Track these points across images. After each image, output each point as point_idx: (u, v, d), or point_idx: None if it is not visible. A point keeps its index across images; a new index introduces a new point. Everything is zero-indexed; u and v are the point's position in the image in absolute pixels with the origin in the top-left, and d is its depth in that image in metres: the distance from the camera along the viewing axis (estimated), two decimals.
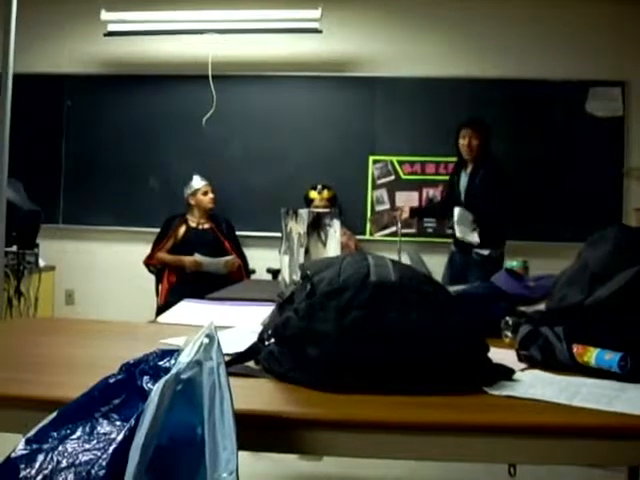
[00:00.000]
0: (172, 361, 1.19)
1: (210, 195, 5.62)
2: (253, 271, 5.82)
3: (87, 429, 1.09)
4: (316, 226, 2.27)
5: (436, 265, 4.85)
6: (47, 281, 5.37)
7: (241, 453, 1.04)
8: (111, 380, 1.18)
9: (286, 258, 2.35)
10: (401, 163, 5.95)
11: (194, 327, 1.27)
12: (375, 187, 5.98)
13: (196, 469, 1.03)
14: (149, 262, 5.55)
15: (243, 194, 5.99)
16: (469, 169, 4.93)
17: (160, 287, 5.57)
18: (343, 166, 5.95)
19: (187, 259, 5.38)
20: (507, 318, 1.89)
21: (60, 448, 1.06)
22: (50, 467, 1.04)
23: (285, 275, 2.38)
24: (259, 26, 5.83)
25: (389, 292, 1.39)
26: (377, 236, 5.82)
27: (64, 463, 1.04)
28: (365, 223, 5.94)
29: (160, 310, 5.05)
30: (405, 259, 4.35)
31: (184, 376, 1.10)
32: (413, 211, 5.10)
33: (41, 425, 1.11)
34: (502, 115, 5.75)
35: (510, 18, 5.86)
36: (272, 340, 1.48)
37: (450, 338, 1.38)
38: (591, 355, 1.50)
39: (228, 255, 5.48)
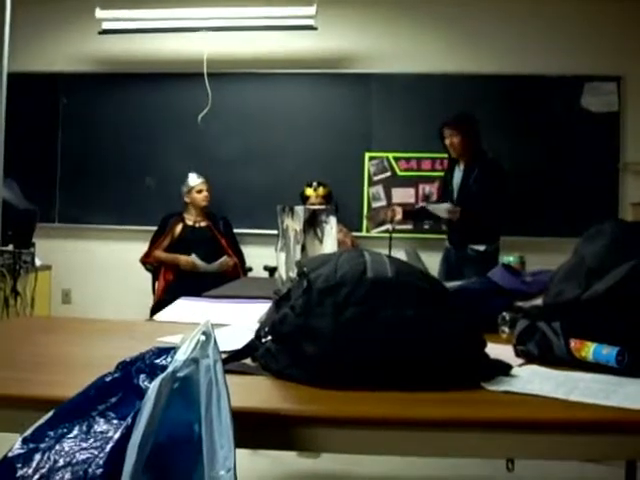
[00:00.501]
0: (169, 359, 1.18)
1: (204, 193, 5.62)
2: (250, 269, 5.82)
3: (84, 428, 1.09)
4: (312, 223, 2.27)
5: (432, 261, 4.84)
6: (43, 280, 5.36)
7: (239, 450, 1.04)
8: (108, 378, 1.18)
9: (283, 255, 2.35)
10: (397, 159, 5.94)
11: (191, 325, 1.27)
12: (371, 184, 5.98)
13: (194, 467, 1.02)
14: (146, 260, 5.55)
15: (239, 191, 5.98)
16: (462, 167, 4.92)
17: (157, 285, 5.57)
18: (339, 163, 5.95)
19: (182, 258, 5.38)
20: (504, 313, 1.89)
21: (57, 447, 1.06)
22: (47, 466, 1.03)
23: (282, 272, 2.38)
24: (254, 23, 5.82)
25: (386, 288, 1.39)
26: (373, 233, 5.82)
27: (61, 462, 1.03)
28: (361, 220, 5.94)
29: (155, 307, 5.06)
30: (401, 256, 4.35)
31: (181, 374, 1.10)
32: (406, 213, 5.08)
33: (38, 424, 1.11)
34: (498, 110, 5.75)
35: (505, 14, 5.86)
36: (269, 337, 1.47)
37: (447, 334, 1.38)
38: (588, 350, 1.50)
39: (224, 253, 5.48)
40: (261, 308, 1.77)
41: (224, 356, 1.32)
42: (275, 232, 2.45)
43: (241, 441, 1.06)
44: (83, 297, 6.19)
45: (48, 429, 1.10)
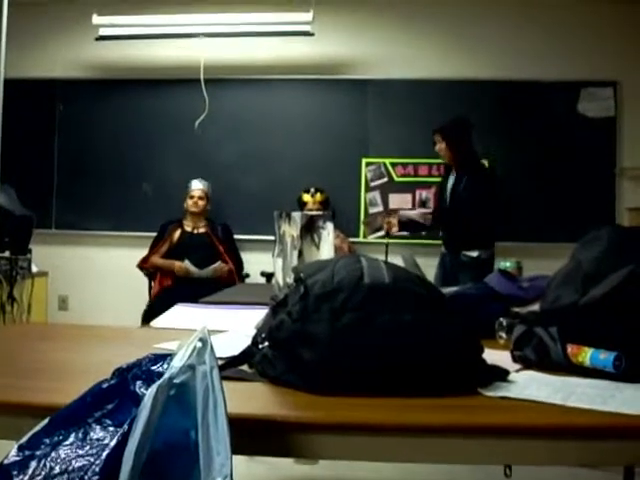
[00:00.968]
0: (165, 366, 1.18)
1: (195, 199, 5.62)
2: (247, 275, 5.82)
3: (80, 435, 1.08)
4: (309, 229, 2.26)
5: (428, 267, 4.84)
6: (40, 286, 5.36)
7: (236, 457, 1.04)
8: (104, 385, 1.17)
9: (279, 261, 2.34)
10: (394, 165, 5.95)
11: (188, 331, 1.26)
12: (368, 189, 5.99)
13: (190, 474, 1.02)
14: (143, 266, 5.55)
15: (236, 197, 5.98)
16: (454, 173, 4.94)
17: (152, 290, 5.57)
18: (336, 169, 5.95)
19: (176, 264, 5.39)
20: (501, 319, 1.89)
21: (53, 454, 1.06)
22: (43, 473, 1.03)
23: (279, 278, 2.37)
24: (251, 29, 5.83)
25: (383, 294, 1.39)
26: (370, 238, 5.82)
27: (57, 469, 1.03)
28: (358, 225, 5.94)
29: (147, 312, 5.07)
30: (397, 261, 4.35)
31: (177, 380, 1.10)
32: (402, 224, 5.08)
33: (33, 431, 1.10)
34: (494, 116, 5.77)
35: (502, 20, 5.88)
36: (266, 343, 1.47)
37: (444, 339, 1.38)
38: (585, 355, 1.50)
39: (222, 259, 5.48)
40: (258, 314, 1.77)
41: (221, 362, 1.32)
42: (272, 238, 2.44)
43: (238, 448, 1.06)
44: (80, 303, 6.17)
45: (44, 436, 1.09)
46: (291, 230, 2.28)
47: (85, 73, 6.25)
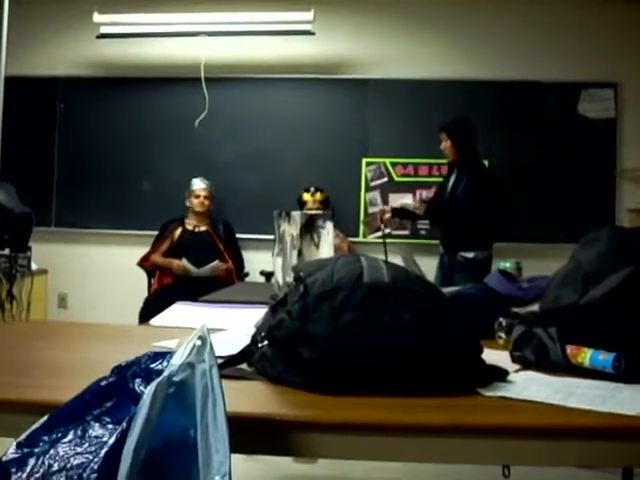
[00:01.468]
0: (164, 363, 1.18)
1: (201, 199, 5.63)
2: (247, 274, 5.82)
3: (79, 432, 1.08)
4: (309, 228, 2.26)
5: (428, 267, 4.84)
6: (39, 284, 5.35)
7: (235, 456, 1.04)
8: (103, 383, 1.17)
9: (279, 260, 2.34)
10: (394, 165, 5.95)
11: (187, 330, 1.26)
12: (368, 189, 5.99)
13: (189, 472, 1.02)
14: (143, 264, 5.55)
15: (236, 196, 5.98)
16: (455, 172, 4.93)
17: (151, 288, 5.58)
18: (336, 168, 5.95)
19: (175, 262, 5.39)
20: (501, 319, 1.89)
21: (51, 452, 1.05)
22: (41, 471, 1.03)
23: (278, 277, 2.37)
24: (252, 28, 5.83)
25: (382, 293, 1.39)
26: (370, 238, 5.82)
27: (55, 467, 1.03)
28: (358, 225, 5.94)
29: (144, 309, 5.08)
30: (397, 261, 4.35)
31: (176, 378, 1.10)
32: (395, 210, 5.09)
33: (32, 429, 1.10)
34: (494, 117, 5.76)
35: (503, 20, 5.88)
36: (265, 342, 1.47)
37: (444, 339, 1.38)
38: (585, 356, 1.50)
39: (222, 257, 5.49)
40: (257, 313, 1.77)
41: (220, 361, 1.32)
42: (272, 237, 2.44)
43: (237, 446, 1.06)
44: (79, 301, 6.17)
45: (42, 433, 1.09)
46: (291, 229, 2.28)
47: (86, 71, 6.25)
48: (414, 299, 1.41)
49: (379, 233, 5.41)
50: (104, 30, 5.87)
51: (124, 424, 1.05)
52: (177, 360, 1.13)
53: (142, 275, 5.63)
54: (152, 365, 1.20)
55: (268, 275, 5.40)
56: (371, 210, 5.94)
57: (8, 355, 1.71)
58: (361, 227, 5.93)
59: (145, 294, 5.60)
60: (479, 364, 1.43)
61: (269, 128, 6.06)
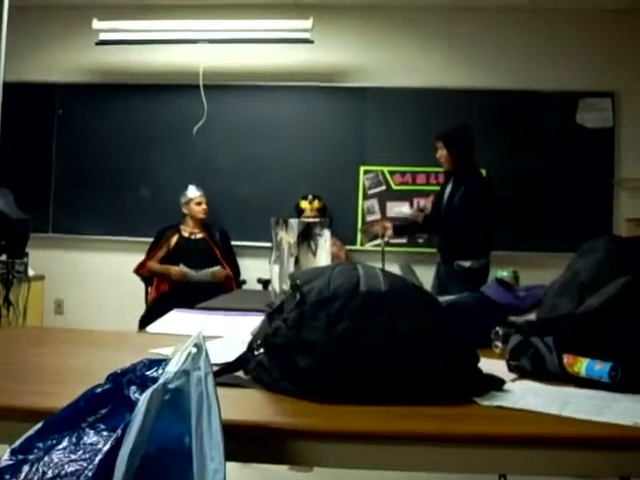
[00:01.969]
0: (159, 371, 1.18)
1: (203, 206, 5.64)
2: (244, 281, 5.81)
3: (73, 439, 1.08)
4: (306, 236, 2.26)
5: (426, 276, 4.83)
6: (36, 290, 5.35)
7: (230, 464, 1.03)
8: (98, 390, 1.17)
9: (276, 268, 2.34)
10: (392, 173, 5.95)
11: (183, 337, 1.26)
12: (366, 197, 5.99)
13: (184, 479, 1.02)
14: (140, 271, 5.54)
15: (234, 203, 5.98)
16: (452, 182, 4.93)
17: (148, 296, 5.57)
18: (334, 176, 5.96)
19: (173, 269, 5.38)
20: (497, 328, 1.89)
21: (46, 459, 1.05)
22: (36, 478, 1.02)
23: (275, 285, 2.37)
24: (250, 36, 5.84)
25: (379, 302, 1.39)
26: (368, 246, 5.82)
27: (50, 474, 1.02)
28: (356, 233, 5.94)
29: (144, 318, 5.06)
30: (395, 270, 4.35)
31: (171, 386, 1.09)
32: (397, 228, 5.08)
33: (26, 435, 1.10)
34: (493, 126, 5.77)
35: (501, 30, 5.89)
36: (262, 350, 1.47)
37: (440, 348, 1.38)
38: (581, 365, 1.50)
39: (219, 264, 5.48)
40: (254, 320, 1.77)
41: (216, 368, 1.32)
42: (269, 244, 2.44)
43: (232, 454, 1.06)
44: (76, 307, 6.16)
45: (37, 440, 1.09)
46: (288, 237, 2.28)
47: (84, 78, 6.25)
48: (410, 308, 1.41)
49: (376, 241, 5.41)
50: (103, 37, 5.87)
51: (119, 431, 1.05)
52: (172, 367, 1.13)
53: (139, 281, 5.62)
54: (147, 372, 1.20)
55: (265, 283, 5.39)
56: (369, 218, 5.94)
57: (4, 361, 1.71)
58: (359, 235, 5.93)
59: (142, 300, 5.59)
60: (476, 373, 1.43)
61: (267, 135, 6.06)
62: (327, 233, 2.31)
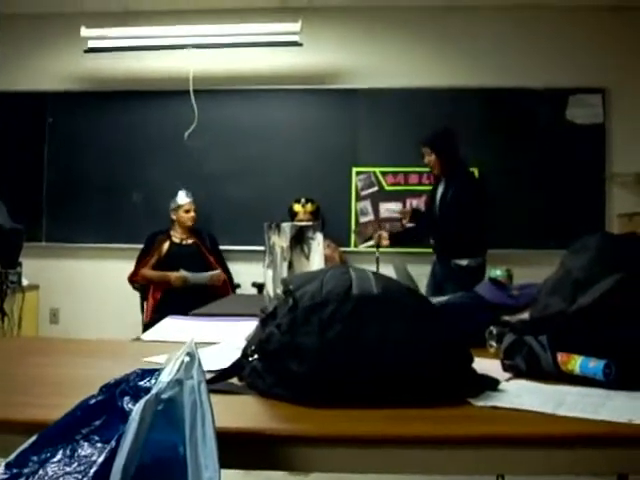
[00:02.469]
0: (152, 381, 1.17)
1: (192, 213, 5.64)
2: (238, 285, 5.81)
3: (68, 452, 1.07)
4: (299, 240, 2.26)
5: (421, 275, 4.84)
6: (31, 300, 5.34)
7: (224, 471, 1.03)
8: (91, 401, 1.17)
9: (270, 272, 2.34)
10: (384, 174, 5.96)
11: (178, 344, 1.26)
12: (359, 199, 5.99)
13: None
14: (134, 279, 5.53)
15: (226, 208, 5.98)
16: (443, 182, 4.93)
17: (145, 304, 5.55)
18: (326, 178, 5.96)
19: (173, 275, 5.37)
20: (491, 328, 1.89)
21: (40, 472, 1.05)
22: None
23: (269, 289, 2.37)
24: (239, 40, 5.85)
25: (371, 305, 1.39)
26: (361, 248, 5.82)
27: None
28: (349, 235, 5.94)
29: (147, 328, 5.03)
30: (389, 270, 4.36)
31: (165, 396, 1.09)
32: (393, 236, 5.09)
33: (21, 449, 1.09)
34: (484, 124, 5.78)
35: (490, 28, 5.91)
36: (256, 356, 1.46)
37: (434, 349, 1.37)
38: (575, 363, 1.50)
39: (213, 269, 5.47)
40: (249, 326, 1.76)
41: (210, 375, 1.32)
42: (263, 248, 2.44)
43: (228, 461, 1.05)
44: (71, 317, 6.15)
45: (31, 454, 1.08)
46: (280, 241, 2.27)
47: (74, 85, 6.24)
48: (403, 310, 1.41)
49: (370, 243, 5.41)
50: (92, 44, 5.87)
51: (113, 442, 1.04)
52: (165, 377, 1.13)
53: (134, 289, 5.61)
54: (140, 383, 1.19)
55: (260, 286, 5.39)
56: (362, 219, 5.95)
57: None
58: (352, 237, 5.93)
59: (137, 308, 5.58)
60: (470, 373, 1.43)
61: (259, 139, 6.06)
62: (319, 236, 2.30)
